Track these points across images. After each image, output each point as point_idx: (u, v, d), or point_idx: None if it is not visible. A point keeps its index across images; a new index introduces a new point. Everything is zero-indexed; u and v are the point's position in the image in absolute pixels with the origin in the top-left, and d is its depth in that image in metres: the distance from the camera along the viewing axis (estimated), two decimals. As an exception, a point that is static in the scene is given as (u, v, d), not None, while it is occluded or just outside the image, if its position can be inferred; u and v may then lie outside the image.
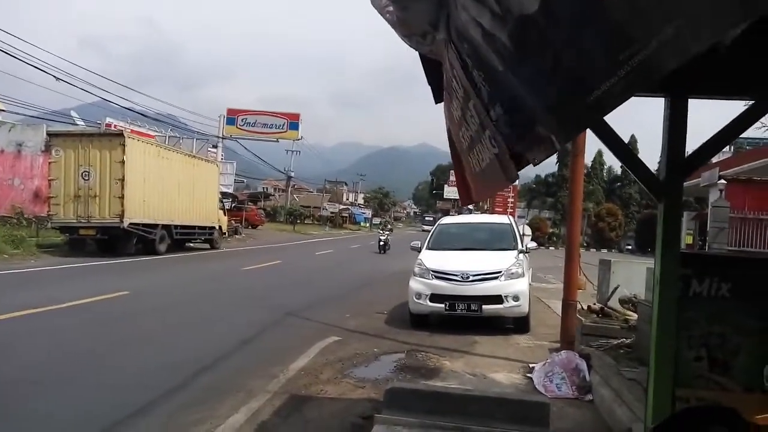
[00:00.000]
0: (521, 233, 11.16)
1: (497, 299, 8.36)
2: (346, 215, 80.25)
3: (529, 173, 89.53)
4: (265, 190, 76.01)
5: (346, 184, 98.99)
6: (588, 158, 65.64)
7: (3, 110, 33.46)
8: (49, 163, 18.33)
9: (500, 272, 8.56)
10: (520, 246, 9.51)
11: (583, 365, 5.75)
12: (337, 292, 12.92)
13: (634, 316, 6.10)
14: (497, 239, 9.97)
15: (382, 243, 28.28)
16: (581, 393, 5.47)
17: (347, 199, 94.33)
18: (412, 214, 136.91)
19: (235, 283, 14.18)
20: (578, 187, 7.68)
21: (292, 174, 61.78)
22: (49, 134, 20.08)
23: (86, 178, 17.57)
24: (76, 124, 32.07)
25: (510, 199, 48.83)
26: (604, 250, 52.01)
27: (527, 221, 49.00)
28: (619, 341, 5.58)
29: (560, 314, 7.55)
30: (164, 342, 7.43)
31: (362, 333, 8.41)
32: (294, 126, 46.08)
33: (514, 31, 1.38)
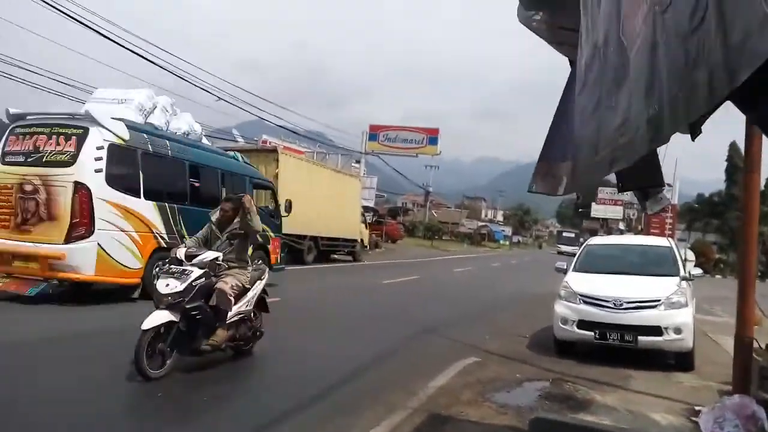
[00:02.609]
0: (683, 258, 10.10)
1: (656, 330, 7.58)
2: (485, 232, 79.07)
3: (690, 192, 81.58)
4: (404, 204, 77.60)
5: (484, 200, 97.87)
6: (763, 174, 58.30)
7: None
8: (214, 177, 20.27)
9: (659, 300, 7.76)
10: (682, 272, 8.59)
11: (762, 413, 4.99)
12: (476, 312, 12.68)
13: (831, 361, 5.19)
14: (655, 263, 9.08)
15: None
16: (761, 446, 4.74)
17: (486, 216, 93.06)
18: (555, 233, 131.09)
19: (376, 296, 14.53)
20: (753, 207, 6.74)
21: (431, 189, 62.38)
22: (215, 151, 22.23)
23: (246, 191, 19.17)
24: (237, 141, 35.32)
25: (668, 220, 44.80)
26: (783, 281, 45.58)
27: (689, 245, 44.63)
28: (812, 390, 4.77)
29: (731, 352, 6.65)
30: (307, 350, 7.74)
31: (503, 356, 8.11)
32: (433, 141, 46.53)
33: (588, 56, 1.44)
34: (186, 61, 34.66)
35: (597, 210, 63.90)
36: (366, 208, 32.27)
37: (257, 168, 18.99)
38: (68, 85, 21.97)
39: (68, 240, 9.01)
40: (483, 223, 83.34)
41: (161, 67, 21.04)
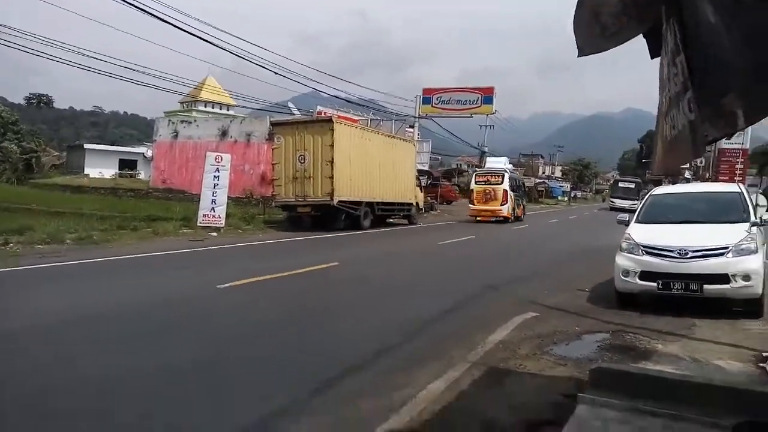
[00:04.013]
0: (755, 203, 9.63)
1: (723, 278, 7.34)
2: (542, 189, 77.23)
3: (761, 134, 76.39)
4: (459, 166, 76.68)
5: (542, 156, 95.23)
6: None
7: (234, 105, 38.58)
8: (273, 149, 20.77)
9: (727, 248, 7.49)
10: (753, 218, 8.22)
11: (838, 359, 4.83)
12: (534, 268, 12.60)
13: None
14: (723, 211, 8.72)
15: None
16: (835, 391, 4.60)
17: (543, 173, 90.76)
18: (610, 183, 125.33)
19: (433, 256, 14.68)
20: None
21: (486, 149, 61.13)
22: (272, 123, 22.75)
23: (302, 161, 19.55)
24: (293, 114, 35.86)
25: (739, 165, 42.43)
26: None
27: (761, 190, 42.13)
28: None
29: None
30: (370, 309, 8.04)
31: (562, 310, 8.10)
32: (488, 100, 45.46)
33: None
34: (242, 38, 35.32)
35: (662, 160, 60.94)
36: (420, 172, 32.18)
37: (312, 139, 19.44)
38: (127, 68, 22.81)
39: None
40: (540, 180, 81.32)
41: (218, 46, 21.49)
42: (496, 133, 59.68)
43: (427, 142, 46.66)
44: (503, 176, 28.53)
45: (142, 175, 54.10)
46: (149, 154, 45.40)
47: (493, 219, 27.76)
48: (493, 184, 28.10)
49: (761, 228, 8.24)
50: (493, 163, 34.02)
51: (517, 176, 36.28)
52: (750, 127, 45.28)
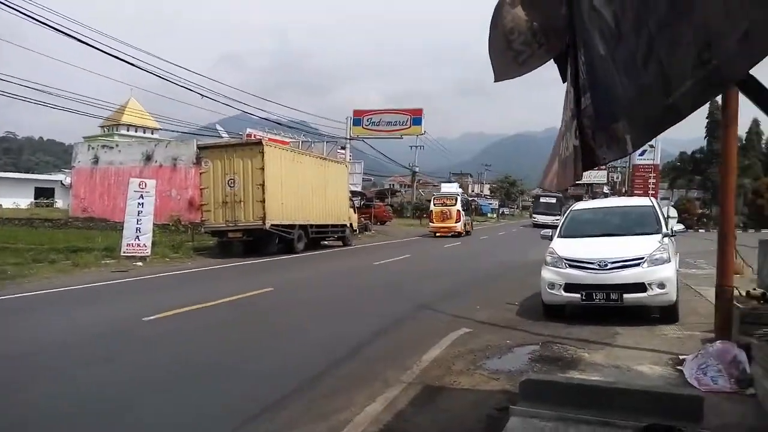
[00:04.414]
0: (666, 215, 10.31)
1: (640, 287, 7.80)
2: (472, 207, 79.21)
3: (672, 150, 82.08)
4: (391, 186, 77.61)
5: (471, 175, 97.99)
6: (742, 129, 58.72)
7: (159, 129, 37.33)
8: (200, 173, 20.23)
9: (642, 258, 7.97)
10: (664, 229, 8.79)
11: (743, 356, 5.21)
12: (467, 284, 12.88)
13: (805, 302, 5.39)
14: (638, 223, 9.29)
15: None
16: (741, 387, 4.95)
17: (472, 191, 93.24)
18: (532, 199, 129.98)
19: (368, 277, 14.69)
20: (731, 160, 6.93)
21: (417, 169, 62.39)
22: (199, 147, 22.14)
23: (232, 185, 19.14)
24: (221, 137, 35.12)
25: (651, 180, 45.35)
26: (765, 231, 46.36)
27: (672, 203, 45.10)
28: (787, 330, 4.98)
29: (713, 302, 6.87)
30: (305, 334, 7.93)
31: (493, 324, 8.30)
32: (417, 121, 46.49)
33: (617, 9, 1.33)
34: (165, 60, 34.28)
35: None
36: (354, 193, 32.33)
37: (242, 162, 19.09)
38: (44, 92, 21.70)
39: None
40: (470, 198, 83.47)
41: (140, 68, 20.83)
42: (427, 153, 61.14)
43: (359, 164, 47.02)
44: (456, 199, 33.61)
45: (60, 204, 51.33)
46: (68, 181, 43.19)
47: (450, 234, 31.90)
48: (449, 206, 33.03)
49: (672, 238, 8.83)
50: (447, 188, 39.03)
51: (466, 198, 40.53)
52: (660, 144, 48.44)
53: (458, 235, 32.18)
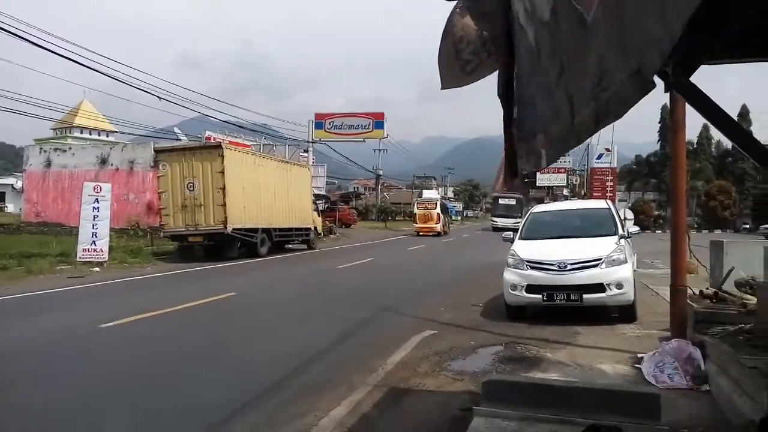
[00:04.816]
0: (623, 217, 10.60)
1: (599, 288, 7.98)
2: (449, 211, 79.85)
3: (628, 154, 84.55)
4: (355, 189, 77.52)
5: (434, 178, 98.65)
6: (693, 133, 60.91)
7: (115, 131, 36.36)
8: (158, 177, 19.75)
9: (600, 259, 8.16)
10: (621, 231, 9.03)
11: (697, 354, 5.38)
12: (431, 286, 12.94)
13: (753, 299, 5.61)
14: (595, 225, 9.51)
15: None
16: (696, 383, 5.11)
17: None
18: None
19: (333, 281, 14.61)
20: (681, 164, 7.16)
21: (381, 172, 62.44)
22: (156, 150, 21.58)
23: (191, 189, 18.76)
24: (179, 140, 34.39)
25: (609, 183, 46.58)
26: (718, 231, 48.24)
27: (629, 205, 46.38)
28: (737, 327, 5.16)
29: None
30: (268, 339, 7.82)
31: (458, 326, 8.37)
32: (379, 125, 46.65)
33: (537, 30, 1.41)
34: (120, 62, 33.46)
35: (542, 179, 65.47)
36: (317, 196, 32.15)
37: (202, 165, 18.74)
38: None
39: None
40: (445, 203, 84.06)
41: (93, 69, 20.17)
42: (390, 157, 61.17)
43: (322, 167, 46.76)
44: (436, 203, 39.28)
45: (11, 209, 49.40)
46: (19, 185, 41.62)
47: (431, 234, 36.93)
48: (430, 209, 38.42)
49: (628, 240, 9.07)
50: (428, 194, 44.79)
51: (444, 203, 45.93)
52: (616, 148, 49.80)
53: (438, 234, 37.02)
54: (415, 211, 40.42)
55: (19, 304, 10.68)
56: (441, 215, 38.49)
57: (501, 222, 44.00)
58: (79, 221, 16.89)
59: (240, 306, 10.57)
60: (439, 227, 37.81)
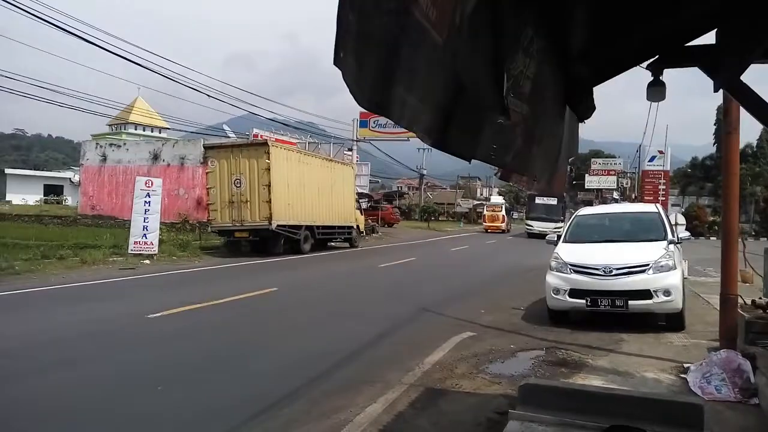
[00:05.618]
0: (673, 222, 10.24)
1: (645, 294, 7.74)
2: (481, 210, 79.08)
3: (683, 156, 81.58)
4: (399, 189, 77.51)
5: (479, 179, 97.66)
6: (753, 136, 58.29)
7: (167, 128, 37.49)
8: (207, 173, 20.32)
9: (648, 265, 7.91)
10: (670, 236, 8.73)
11: (747, 366, 5.16)
12: (472, 288, 12.84)
13: (811, 311, 5.34)
14: (644, 230, 9.23)
15: None
16: (745, 396, 4.90)
17: (481, 194, 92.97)
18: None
19: (373, 279, 14.69)
20: (734, 167, 6.87)
21: (425, 172, 62.34)
22: (205, 147, 22.18)
23: (238, 185, 19.21)
24: (228, 137, 35.24)
25: (661, 186, 45.00)
26: (778, 239, 45.90)
27: (682, 210, 44.74)
28: (792, 340, 4.93)
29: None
30: (308, 334, 7.94)
31: (497, 329, 8.28)
32: (425, 124, 46.37)
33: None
34: (172, 61, 34.42)
35: (591, 181, 63.98)
36: (360, 195, 32.33)
37: (248, 162, 19.16)
38: (54, 91, 21.87)
39: None
40: (479, 202, 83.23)
41: (147, 68, 20.90)
42: (434, 156, 60.97)
43: (366, 165, 46.99)
44: (502, 207, 49.58)
45: (69, 201, 51.68)
46: (76, 179, 43.49)
47: (498, 231, 45.69)
48: (497, 212, 48.69)
49: (678, 246, 8.76)
50: (495, 199, 56.04)
51: (508, 206, 55.35)
52: (669, 150, 48.17)
53: (502, 231, 45.98)
54: (485, 212, 50.68)
55: (73, 292, 11.18)
56: (505, 216, 48.08)
57: (538, 227, 36.49)
58: (131, 215, 17.56)
59: (281, 301, 10.77)
60: (503, 226, 47.16)
